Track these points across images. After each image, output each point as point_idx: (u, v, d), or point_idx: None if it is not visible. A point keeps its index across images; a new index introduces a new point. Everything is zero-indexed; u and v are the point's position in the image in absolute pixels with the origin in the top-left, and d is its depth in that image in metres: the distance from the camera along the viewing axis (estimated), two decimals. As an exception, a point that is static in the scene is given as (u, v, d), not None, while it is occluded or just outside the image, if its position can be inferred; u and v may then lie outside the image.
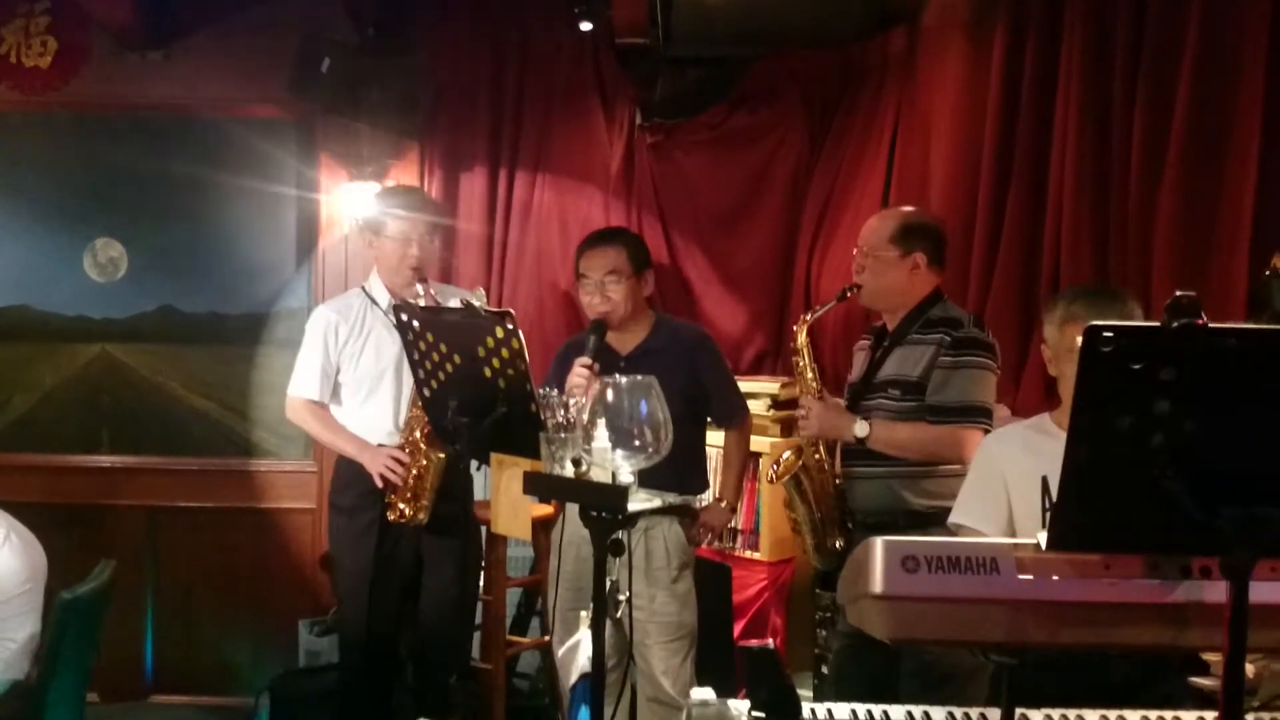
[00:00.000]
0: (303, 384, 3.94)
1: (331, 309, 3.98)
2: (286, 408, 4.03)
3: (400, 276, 3.86)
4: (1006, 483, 2.66)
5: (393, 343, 3.87)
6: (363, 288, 4.01)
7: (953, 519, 2.78)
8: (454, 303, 3.58)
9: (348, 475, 3.92)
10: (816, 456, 3.37)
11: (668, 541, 3.52)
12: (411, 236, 3.84)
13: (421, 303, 3.51)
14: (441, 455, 3.71)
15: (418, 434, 3.76)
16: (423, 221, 3.87)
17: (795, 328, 3.46)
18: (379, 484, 3.79)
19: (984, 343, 3.20)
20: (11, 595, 3.17)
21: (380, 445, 3.86)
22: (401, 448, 3.79)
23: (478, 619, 4.39)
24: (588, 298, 3.59)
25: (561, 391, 2.87)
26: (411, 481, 3.76)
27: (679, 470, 3.45)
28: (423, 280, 3.79)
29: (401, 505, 3.78)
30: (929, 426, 3.16)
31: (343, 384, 3.95)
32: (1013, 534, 2.61)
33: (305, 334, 3.98)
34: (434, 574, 3.98)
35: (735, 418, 3.78)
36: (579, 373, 3.35)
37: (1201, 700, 2.60)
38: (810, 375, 3.39)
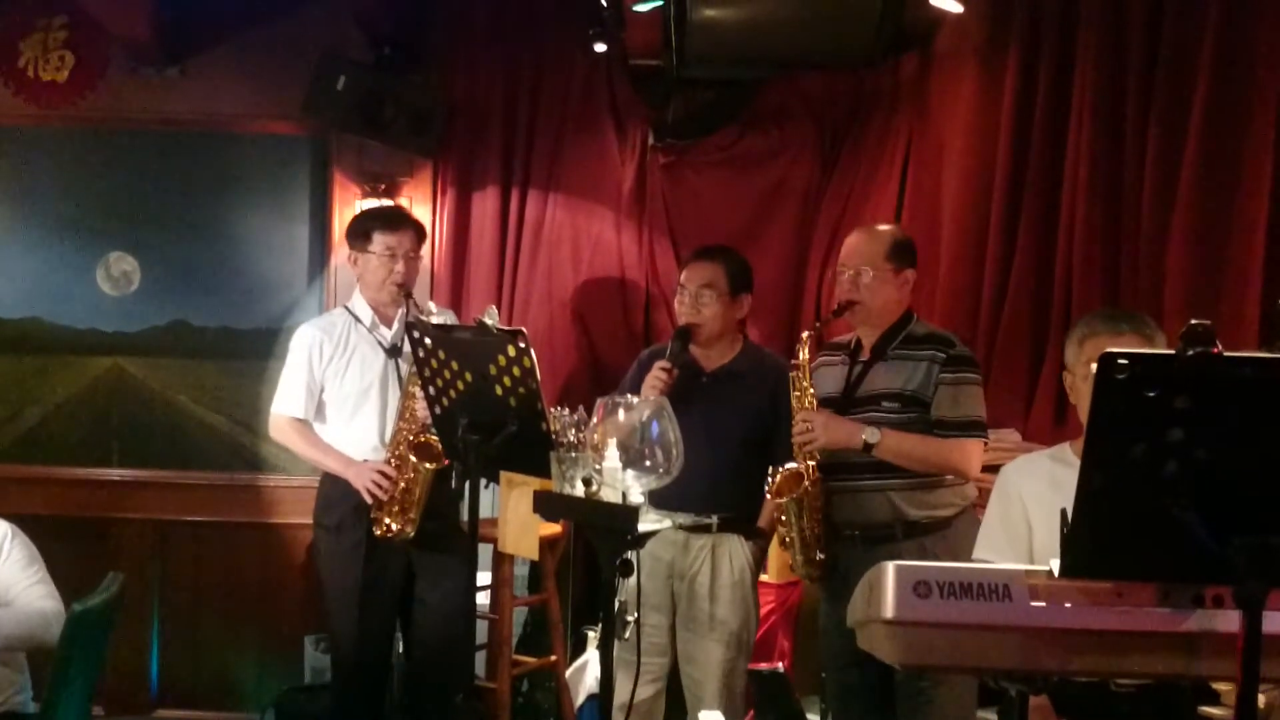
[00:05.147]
0: (287, 401, 3.93)
1: (315, 326, 3.98)
2: (270, 425, 4.03)
3: (384, 293, 3.89)
4: (1027, 512, 2.63)
5: (376, 360, 3.90)
6: (346, 306, 4.03)
7: (977, 554, 2.74)
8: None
9: (333, 493, 3.90)
10: (814, 475, 3.35)
11: (732, 558, 3.52)
12: (397, 254, 3.86)
13: (435, 319, 3.51)
14: (429, 466, 3.69)
15: (403, 447, 3.75)
16: (407, 239, 3.89)
17: (798, 345, 3.41)
18: (367, 499, 3.77)
19: (975, 360, 3.36)
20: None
21: (365, 460, 3.85)
22: (388, 462, 3.78)
23: (483, 638, 4.37)
24: (680, 308, 3.62)
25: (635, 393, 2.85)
26: (399, 495, 3.75)
27: (744, 493, 3.47)
28: (408, 296, 3.81)
29: (388, 520, 3.76)
30: (935, 439, 3.21)
31: (327, 401, 3.94)
32: (1033, 564, 2.59)
33: (289, 352, 3.98)
34: (432, 590, 3.95)
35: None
36: (658, 375, 3.40)
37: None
38: (811, 392, 3.39)
